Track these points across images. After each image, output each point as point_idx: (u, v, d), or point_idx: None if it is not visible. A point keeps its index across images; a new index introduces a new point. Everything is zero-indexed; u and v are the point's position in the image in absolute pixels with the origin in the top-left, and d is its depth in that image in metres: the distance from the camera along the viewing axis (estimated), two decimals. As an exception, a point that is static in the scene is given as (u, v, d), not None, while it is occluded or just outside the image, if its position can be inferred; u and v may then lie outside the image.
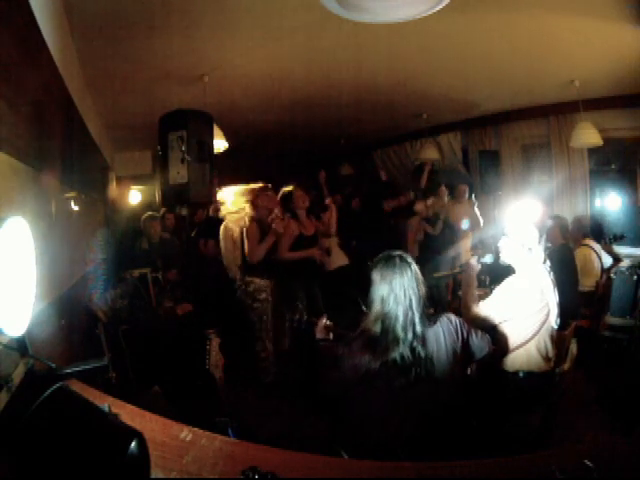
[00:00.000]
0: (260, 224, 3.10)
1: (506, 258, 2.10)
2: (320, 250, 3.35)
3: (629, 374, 2.83)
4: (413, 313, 1.47)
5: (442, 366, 1.47)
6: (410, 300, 1.48)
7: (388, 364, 1.43)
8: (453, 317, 1.59)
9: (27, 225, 0.96)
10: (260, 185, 3.13)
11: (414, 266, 1.54)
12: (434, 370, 1.45)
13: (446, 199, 4.70)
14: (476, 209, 4.67)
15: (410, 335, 1.45)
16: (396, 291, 1.48)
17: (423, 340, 1.47)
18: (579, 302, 3.24)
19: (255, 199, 3.27)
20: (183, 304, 3.33)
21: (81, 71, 2.99)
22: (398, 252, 1.56)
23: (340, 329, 1.82)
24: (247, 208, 3.32)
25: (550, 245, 3.36)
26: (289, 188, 3.46)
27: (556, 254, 3.13)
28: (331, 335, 1.80)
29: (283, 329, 3.31)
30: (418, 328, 1.47)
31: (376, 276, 1.53)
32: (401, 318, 1.46)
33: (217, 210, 4.52)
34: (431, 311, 1.57)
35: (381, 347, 1.45)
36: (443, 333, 1.52)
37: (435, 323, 1.53)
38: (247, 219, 3.25)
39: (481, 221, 4.63)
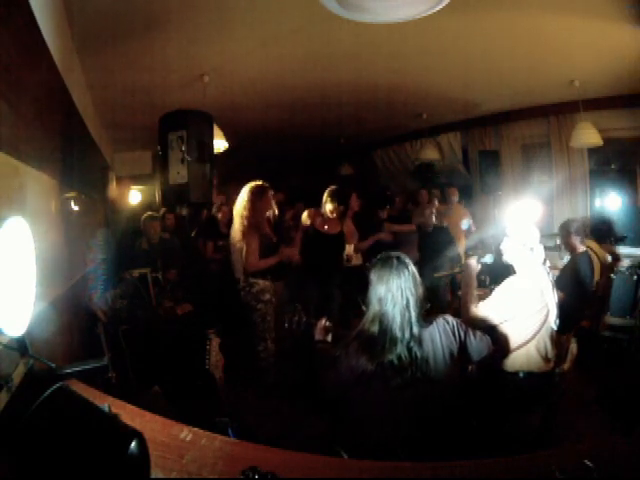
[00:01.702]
0: (261, 234, 2.99)
1: (509, 259, 2.10)
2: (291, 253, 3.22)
3: (629, 374, 2.83)
4: (410, 313, 1.47)
5: (438, 367, 1.47)
6: (407, 300, 1.47)
7: (385, 365, 1.43)
8: (450, 318, 1.58)
9: (27, 225, 0.96)
10: (260, 183, 3.08)
11: (412, 267, 1.53)
12: (430, 371, 1.45)
13: (437, 202, 4.75)
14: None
15: (407, 335, 1.45)
16: (393, 291, 1.48)
17: (419, 341, 1.47)
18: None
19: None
20: (183, 304, 3.33)
21: (81, 71, 2.99)
22: (396, 253, 1.57)
23: (341, 329, 1.82)
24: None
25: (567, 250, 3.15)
26: (333, 187, 3.56)
27: (576, 264, 2.94)
28: (330, 336, 1.80)
29: (284, 330, 3.29)
30: (415, 328, 1.47)
31: (374, 276, 1.53)
32: (398, 318, 1.46)
33: (219, 210, 4.54)
34: (427, 308, 1.56)
35: (379, 347, 1.45)
36: (439, 334, 1.51)
37: (431, 324, 1.52)
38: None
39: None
